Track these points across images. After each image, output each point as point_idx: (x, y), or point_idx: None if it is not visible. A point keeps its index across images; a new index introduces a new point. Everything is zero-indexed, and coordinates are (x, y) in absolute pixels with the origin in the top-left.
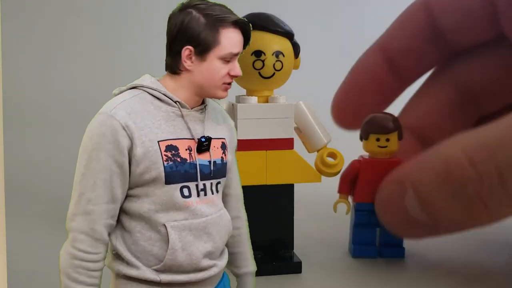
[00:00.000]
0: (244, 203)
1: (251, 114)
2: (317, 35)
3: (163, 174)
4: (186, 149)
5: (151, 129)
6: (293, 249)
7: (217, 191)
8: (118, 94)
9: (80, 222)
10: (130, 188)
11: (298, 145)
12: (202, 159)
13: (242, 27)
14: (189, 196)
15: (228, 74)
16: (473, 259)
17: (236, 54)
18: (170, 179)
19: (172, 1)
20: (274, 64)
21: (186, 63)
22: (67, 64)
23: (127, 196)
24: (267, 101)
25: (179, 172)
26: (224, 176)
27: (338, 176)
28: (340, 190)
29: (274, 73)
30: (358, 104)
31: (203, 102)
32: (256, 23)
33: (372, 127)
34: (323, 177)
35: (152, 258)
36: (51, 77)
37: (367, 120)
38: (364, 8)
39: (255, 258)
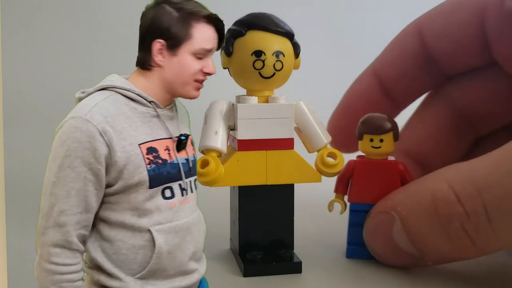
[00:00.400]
0: (244, 203)
1: (251, 114)
2: (317, 35)
3: (147, 178)
4: (165, 150)
5: (129, 132)
6: (293, 249)
7: (196, 188)
8: (85, 97)
9: (53, 236)
10: (109, 195)
11: (298, 145)
12: (180, 157)
13: (216, 23)
14: (172, 197)
15: (201, 71)
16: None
17: (209, 51)
18: (153, 182)
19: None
20: (274, 64)
21: (157, 57)
22: (67, 64)
23: (105, 204)
24: (267, 101)
25: (161, 174)
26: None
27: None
28: (336, 190)
29: (274, 73)
30: (352, 128)
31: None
32: (256, 23)
33: (366, 127)
34: (323, 177)
35: (136, 266)
36: (51, 77)
37: (362, 120)
38: (364, 8)
39: (255, 258)
